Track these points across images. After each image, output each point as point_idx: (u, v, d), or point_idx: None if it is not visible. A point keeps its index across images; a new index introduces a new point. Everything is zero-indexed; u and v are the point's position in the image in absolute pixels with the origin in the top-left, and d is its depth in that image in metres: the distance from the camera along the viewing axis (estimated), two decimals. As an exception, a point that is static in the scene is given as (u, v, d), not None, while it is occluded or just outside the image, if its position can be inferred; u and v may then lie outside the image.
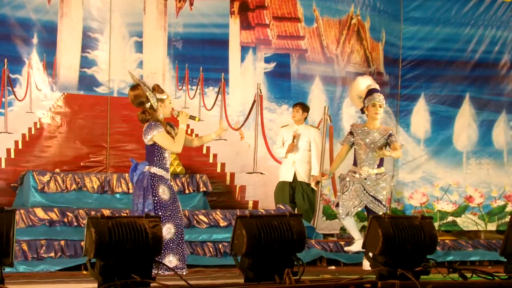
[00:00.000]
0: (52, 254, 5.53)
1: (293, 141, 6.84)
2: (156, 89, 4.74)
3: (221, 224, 6.08)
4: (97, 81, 7.46)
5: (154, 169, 4.67)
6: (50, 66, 7.32)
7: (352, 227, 5.75)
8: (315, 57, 8.18)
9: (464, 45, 8.53)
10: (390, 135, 5.61)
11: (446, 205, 8.47)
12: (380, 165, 5.60)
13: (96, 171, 7.25)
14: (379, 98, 5.60)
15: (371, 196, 5.60)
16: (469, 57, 8.53)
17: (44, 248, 5.54)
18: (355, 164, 5.70)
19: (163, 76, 7.69)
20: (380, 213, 5.40)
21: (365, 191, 5.59)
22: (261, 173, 7.77)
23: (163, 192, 4.66)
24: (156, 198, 4.62)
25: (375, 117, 5.60)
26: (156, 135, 4.62)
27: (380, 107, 5.57)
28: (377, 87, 5.74)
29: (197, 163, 7.63)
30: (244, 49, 7.97)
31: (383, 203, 5.58)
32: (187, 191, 6.95)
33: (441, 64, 8.53)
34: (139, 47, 7.61)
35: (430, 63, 8.52)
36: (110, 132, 7.44)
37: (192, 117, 4.76)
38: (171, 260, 4.59)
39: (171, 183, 4.80)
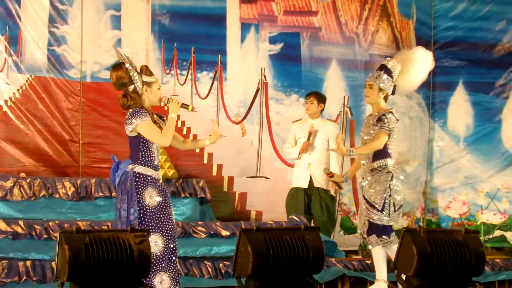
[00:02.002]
0: (16, 279, 5.43)
1: (308, 139, 6.70)
2: (144, 70, 4.65)
3: (223, 234, 6.05)
4: (68, 63, 7.34)
5: (139, 168, 4.57)
6: (14, 41, 7.21)
7: (378, 261, 5.35)
8: (331, 37, 8.09)
9: (509, 25, 8.45)
10: (379, 119, 5.25)
11: (492, 216, 8.35)
12: (377, 157, 5.25)
13: (68, 170, 7.17)
14: (370, 76, 5.38)
15: (365, 199, 5.29)
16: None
17: (5, 270, 5.45)
18: None
19: (146, 57, 7.56)
20: (375, 220, 5.24)
21: (363, 196, 5.33)
22: (266, 178, 7.69)
23: (150, 196, 4.56)
24: (142, 204, 4.53)
25: (365, 100, 5.46)
26: (141, 124, 4.53)
27: (371, 87, 5.30)
28: (390, 66, 5.32)
29: (187, 165, 7.54)
30: (245, 26, 7.86)
31: (377, 206, 5.21)
32: (182, 195, 6.87)
33: (481, 47, 8.47)
34: (116, 22, 7.47)
35: (467, 45, 8.46)
36: (83, 125, 7.34)
37: (184, 106, 4.68)
38: (163, 279, 4.48)
39: (162, 184, 4.70)
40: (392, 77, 5.29)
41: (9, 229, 5.66)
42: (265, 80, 7.61)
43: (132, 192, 4.51)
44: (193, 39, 7.69)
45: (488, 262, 6.43)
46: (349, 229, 7.85)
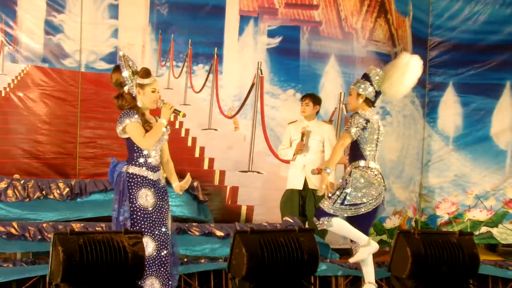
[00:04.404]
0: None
1: (302, 139, 6.61)
2: (140, 72, 4.62)
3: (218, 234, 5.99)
4: (64, 52, 7.17)
5: (133, 169, 4.54)
6: (10, 30, 7.01)
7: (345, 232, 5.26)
8: (331, 32, 7.95)
9: (501, 26, 8.40)
10: (348, 121, 5.30)
11: (479, 213, 8.33)
12: (351, 160, 5.24)
13: (65, 162, 7.05)
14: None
15: None
16: (509, 40, 8.40)
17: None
18: None
19: (142, 48, 7.38)
20: (320, 203, 5.23)
21: None
22: (258, 172, 7.57)
23: (144, 197, 4.51)
24: (134, 204, 4.47)
25: (349, 108, 5.48)
26: (129, 125, 4.51)
27: (350, 94, 5.33)
28: (368, 75, 5.32)
29: (178, 158, 7.37)
30: (244, 19, 7.69)
31: (330, 194, 5.17)
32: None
33: (473, 48, 8.43)
34: (113, 11, 7.29)
35: (460, 46, 8.41)
36: (81, 121, 7.22)
37: (176, 112, 4.61)
38: (153, 285, 4.37)
39: (163, 188, 4.62)
40: (371, 82, 5.28)
41: (2, 229, 5.60)
42: (261, 74, 7.47)
43: (125, 192, 4.47)
44: (190, 30, 7.50)
45: (482, 263, 6.38)
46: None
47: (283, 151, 6.85)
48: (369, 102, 5.28)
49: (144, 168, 4.54)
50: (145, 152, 4.56)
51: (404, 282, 4.66)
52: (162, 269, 4.46)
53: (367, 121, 5.19)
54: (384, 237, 8.04)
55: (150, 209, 4.50)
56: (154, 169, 4.58)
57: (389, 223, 8.13)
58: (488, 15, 8.39)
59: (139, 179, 4.52)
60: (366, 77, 5.32)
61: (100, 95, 7.16)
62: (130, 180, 4.50)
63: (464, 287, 4.76)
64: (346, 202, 5.12)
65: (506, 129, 8.42)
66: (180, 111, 4.62)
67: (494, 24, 8.39)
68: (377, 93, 5.30)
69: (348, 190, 5.13)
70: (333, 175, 6.61)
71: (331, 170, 5.17)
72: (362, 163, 5.20)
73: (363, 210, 5.16)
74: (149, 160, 4.57)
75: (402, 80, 5.33)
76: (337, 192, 5.15)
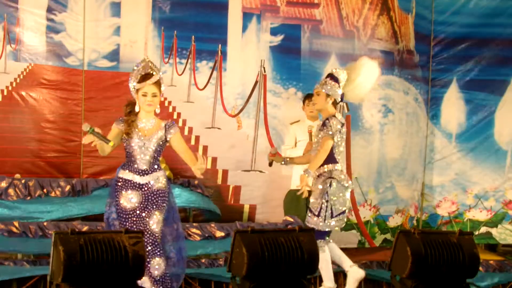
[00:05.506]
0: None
1: (310, 139, 6.55)
2: (141, 77, 4.67)
3: (217, 235, 6.01)
4: (67, 50, 7.18)
5: (122, 172, 4.69)
6: (12, 29, 7.03)
7: (321, 265, 5.20)
8: (332, 30, 7.96)
9: (507, 19, 8.39)
10: (323, 125, 5.26)
11: (479, 213, 8.34)
12: (323, 163, 5.23)
13: (68, 161, 7.07)
14: (317, 84, 5.41)
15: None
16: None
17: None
18: None
19: (145, 45, 7.39)
20: (310, 224, 5.19)
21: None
22: (261, 171, 7.57)
23: (129, 198, 4.61)
24: (118, 206, 4.61)
25: (314, 107, 5.53)
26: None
27: (318, 94, 5.33)
28: (338, 75, 5.32)
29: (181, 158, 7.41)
30: (247, 16, 7.69)
31: (314, 211, 5.17)
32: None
33: (478, 43, 8.41)
34: (116, 9, 7.31)
35: (465, 41, 8.40)
36: (85, 119, 7.22)
37: (103, 138, 4.49)
38: (144, 281, 4.42)
39: (155, 192, 4.66)
40: (338, 83, 5.31)
41: (3, 226, 5.67)
42: (264, 72, 7.47)
43: (112, 194, 4.63)
44: (193, 27, 7.51)
45: (482, 263, 6.42)
46: (345, 226, 7.76)
47: (287, 151, 6.81)
48: (335, 104, 5.31)
49: (130, 171, 4.66)
50: (134, 157, 4.65)
51: (404, 281, 4.67)
52: (147, 268, 4.46)
53: (342, 124, 5.24)
54: (388, 235, 8.04)
55: (132, 209, 4.60)
56: (141, 172, 4.67)
57: (392, 222, 8.14)
58: (492, 9, 8.37)
59: (124, 182, 4.64)
60: (334, 78, 5.33)
61: (103, 93, 7.18)
62: (117, 183, 4.66)
63: (464, 287, 4.78)
64: (334, 214, 5.16)
65: (509, 128, 8.42)
66: (109, 140, 4.51)
67: (499, 17, 8.39)
68: (342, 95, 5.34)
69: (330, 202, 5.16)
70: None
71: (312, 173, 5.21)
72: (333, 166, 5.24)
73: (345, 214, 5.23)
74: (136, 163, 4.67)
75: (365, 84, 5.42)
76: (323, 207, 5.17)
